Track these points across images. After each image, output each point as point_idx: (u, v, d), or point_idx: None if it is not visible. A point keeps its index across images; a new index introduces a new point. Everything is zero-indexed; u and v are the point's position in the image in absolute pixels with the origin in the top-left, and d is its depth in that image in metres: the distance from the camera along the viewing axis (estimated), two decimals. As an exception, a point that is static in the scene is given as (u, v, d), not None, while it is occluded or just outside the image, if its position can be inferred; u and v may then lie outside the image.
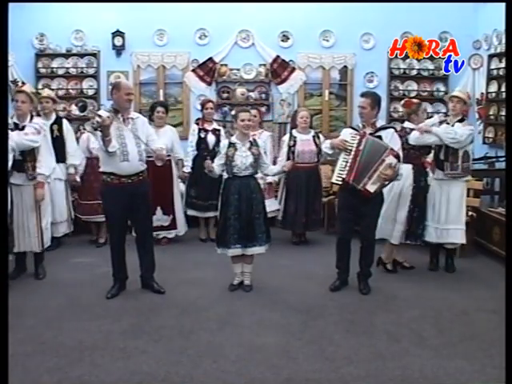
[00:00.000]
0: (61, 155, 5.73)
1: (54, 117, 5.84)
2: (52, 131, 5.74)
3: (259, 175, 5.43)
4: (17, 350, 3.49)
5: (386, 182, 4.49)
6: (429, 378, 3.29)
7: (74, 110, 5.69)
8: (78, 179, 5.96)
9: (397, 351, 3.61)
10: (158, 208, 6.07)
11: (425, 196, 5.14)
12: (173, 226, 6.21)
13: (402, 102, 5.52)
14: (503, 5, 4.72)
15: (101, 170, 4.53)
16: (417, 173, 5.08)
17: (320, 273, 5.12)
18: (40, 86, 7.10)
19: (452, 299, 4.54)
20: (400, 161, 4.47)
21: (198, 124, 6.31)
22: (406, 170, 4.95)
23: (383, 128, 4.64)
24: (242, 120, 4.57)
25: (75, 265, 5.42)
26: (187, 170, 6.25)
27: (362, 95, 4.68)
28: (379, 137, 4.52)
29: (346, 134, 4.65)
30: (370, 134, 4.54)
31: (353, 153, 4.48)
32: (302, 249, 6.12)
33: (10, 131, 4.42)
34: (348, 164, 4.49)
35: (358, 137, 4.50)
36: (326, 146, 4.81)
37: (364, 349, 3.64)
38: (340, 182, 4.57)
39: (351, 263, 4.75)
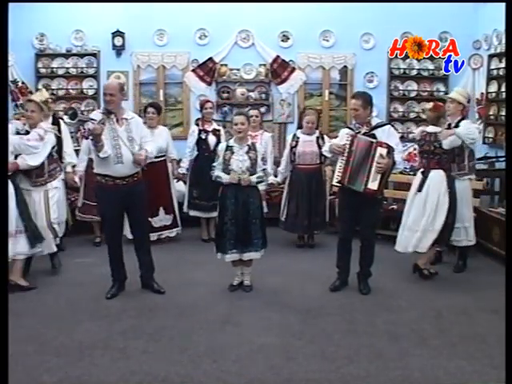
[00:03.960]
0: (60, 155, 5.75)
1: (51, 118, 5.85)
2: None
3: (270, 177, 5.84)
4: (17, 350, 3.49)
5: (386, 174, 4.44)
6: (429, 378, 3.29)
7: (65, 118, 5.75)
8: (77, 179, 5.96)
9: (397, 351, 3.61)
10: (161, 208, 6.15)
11: (455, 200, 5.01)
12: (174, 224, 6.30)
13: (430, 105, 5.23)
14: (503, 5, 4.72)
15: (95, 171, 4.54)
16: (449, 178, 4.97)
17: (320, 273, 5.12)
18: (40, 86, 7.10)
19: (452, 299, 4.55)
20: (391, 150, 4.41)
21: (197, 125, 6.30)
22: (438, 176, 4.92)
23: (379, 126, 4.62)
24: (236, 124, 4.58)
25: (75, 265, 5.41)
26: (182, 170, 6.29)
27: (353, 97, 4.67)
28: (373, 135, 4.52)
29: (343, 135, 4.67)
30: (365, 133, 4.54)
31: (346, 154, 4.50)
32: (302, 249, 6.12)
33: (13, 135, 4.58)
34: (343, 165, 4.51)
35: (351, 138, 4.51)
36: (325, 149, 4.86)
37: (364, 349, 3.64)
38: (339, 184, 4.60)
39: (351, 263, 4.76)
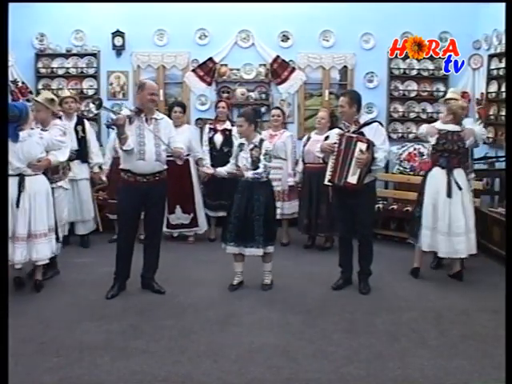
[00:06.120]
0: (86, 155, 5.85)
1: (75, 118, 5.89)
2: (77, 132, 5.80)
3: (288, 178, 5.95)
4: (17, 350, 3.49)
5: (365, 169, 4.44)
6: (429, 377, 3.29)
7: (92, 108, 5.76)
8: (104, 178, 5.99)
9: (397, 351, 3.61)
10: (178, 207, 6.15)
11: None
12: (194, 224, 6.27)
13: (461, 103, 5.13)
14: (503, 5, 4.73)
15: (120, 166, 4.62)
16: (467, 176, 5.00)
17: (320, 273, 5.12)
18: (40, 86, 7.11)
19: (452, 299, 4.55)
20: (372, 145, 4.42)
21: (211, 124, 6.43)
22: (463, 174, 4.90)
23: (367, 124, 4.66)
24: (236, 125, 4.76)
25: (76, 265, 5.40)
26: (208, 166, 6.28)
27: (341, 94, 4.73)
28: (361, 133, 4.54)
29: (333, 135, 4.69)
30: (354, 131, 4.56)
31: (335, 153, 4.54)
32: (302, 249, 6.12)
33: (42, 132, 4.59)
34: (333, 164, 4.54)
35: (339, 137, 4.54)
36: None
37: (364, 349, 3.64)
38: (330, 184, 4.64)
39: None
